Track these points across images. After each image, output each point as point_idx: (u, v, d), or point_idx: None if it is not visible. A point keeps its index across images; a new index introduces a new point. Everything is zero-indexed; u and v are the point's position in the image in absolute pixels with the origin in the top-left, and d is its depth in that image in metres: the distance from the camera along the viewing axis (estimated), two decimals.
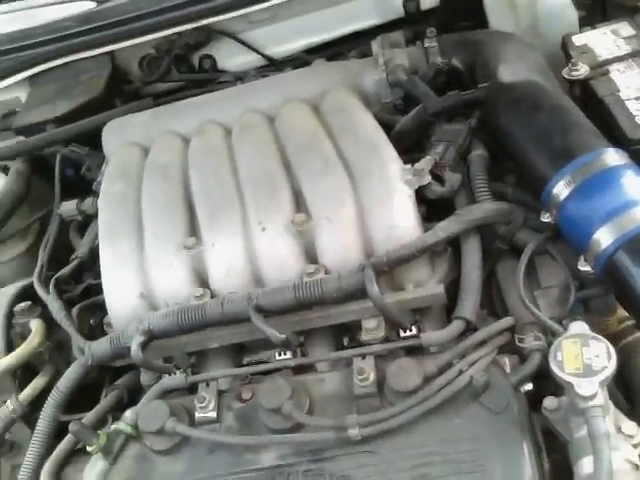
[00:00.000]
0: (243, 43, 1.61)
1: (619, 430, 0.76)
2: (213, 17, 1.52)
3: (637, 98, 1.08)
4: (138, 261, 1.13)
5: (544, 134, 1.03)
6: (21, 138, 1.55)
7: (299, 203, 1.12)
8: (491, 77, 1.18)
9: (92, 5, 1.75)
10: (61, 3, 1.71)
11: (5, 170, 1.52)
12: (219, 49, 1.64)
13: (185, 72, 1.65)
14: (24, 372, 1.19)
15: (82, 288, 1.27)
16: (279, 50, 1.62)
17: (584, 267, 0.93)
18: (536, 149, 1.04)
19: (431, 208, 1.11)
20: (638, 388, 0.94)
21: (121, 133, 1.42)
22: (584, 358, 0.79)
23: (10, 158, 1.51)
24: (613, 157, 0.96)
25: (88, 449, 0.97)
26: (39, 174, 1.54)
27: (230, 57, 1.64)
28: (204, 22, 1.53)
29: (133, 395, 1.13)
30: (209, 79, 1.62)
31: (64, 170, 1.49)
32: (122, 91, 1.63)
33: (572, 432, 0.78)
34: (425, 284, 1.03)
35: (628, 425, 0.77)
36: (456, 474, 0.81)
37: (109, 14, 1.62)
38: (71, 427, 0.97)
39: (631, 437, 0.75)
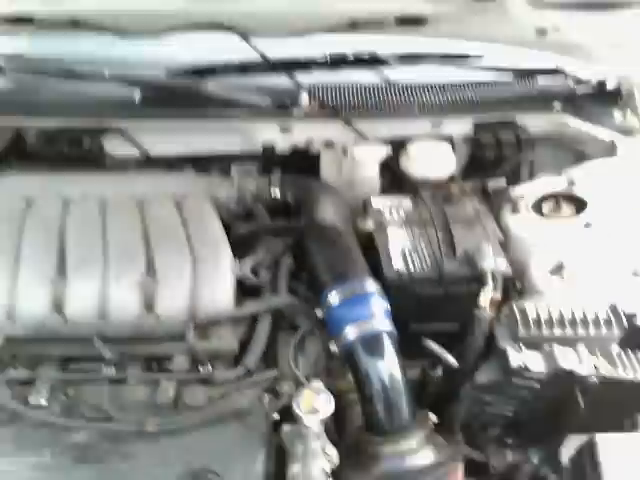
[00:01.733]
0: (132, 140, 1.98)
1: (323, 450, 1.17)
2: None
3: (399, 252, 1.58)
4: (10, 284, 1.43)
5: (332, 260, 1.50)
6: None
7: (150, 268, 1.48)
8: (309, 216, 1.65)
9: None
10: None
11: None
12: (109, 140, 1.97)
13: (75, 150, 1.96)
14: None
15: None
16: (156, 154, 1.99)
17: (333, 348, 1.37)
18: (324, 268, 1.50)
19: (245, 291, 1.53)
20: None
21: (12, 188, 1.71)
22: (314, 403, 1.20)
23: None
24: (370, 285, 1.43)
25: None
26: None
27: (117, 148, 1.98)
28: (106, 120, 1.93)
29: None
30: (94, 159, 1.94)
31: None
32: (17, 152, 1.92)
33: (295, 448, 1.19)
34: (225, 339, 1.42)
35: (329, 448, 1.19)
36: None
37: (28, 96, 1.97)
38: None
39: (329, 455, 1.17)
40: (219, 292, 1.45)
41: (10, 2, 1.55)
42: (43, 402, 1.27)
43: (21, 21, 1.61)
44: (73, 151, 1.95)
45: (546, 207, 1.70)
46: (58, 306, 1.42)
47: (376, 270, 1.53)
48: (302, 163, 1.96)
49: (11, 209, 1.63)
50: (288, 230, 1.66)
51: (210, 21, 1.68)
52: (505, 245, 1.61)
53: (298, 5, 1.60)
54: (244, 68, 2.30)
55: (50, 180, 1.76)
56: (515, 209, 1.69)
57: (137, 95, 2.05)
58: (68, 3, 1.55)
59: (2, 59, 2.14)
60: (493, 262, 1.49)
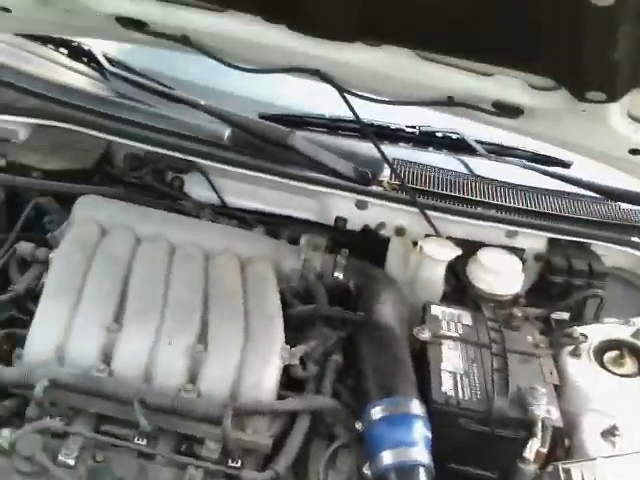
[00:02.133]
0: (211, 184, 2.00)
1: None
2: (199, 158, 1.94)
3: (450, 372, 1.54)
4: (67, 321, 1.45)
5: (382, 370, 1.48)
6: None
7: (202, 334, 1.48)
8: (367, 311, 1.64)
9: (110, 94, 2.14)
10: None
11: None
12: (191, 178, 2.02)
13: (157, 181, 2.00)
14: None
15: (7, 316, 1.56)
16: (233, 201, 2.02)
17: (366, 471, 1.34)
18: (372, 377, 1.48)
19: (290, 381, 1.51)
20: None
21: (91, 209, 1.74)
22: None
23: None
24: (416, 407, 1.40)
25: None
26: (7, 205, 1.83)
27: (196, 187, 2.02)
28: (192, 158, 1.95)
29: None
30: (173, 196, 1.99)
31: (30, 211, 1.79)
32: (102, 169, 1.97)
33: None
34: (261, 433, 1.40)
35: None
36: None
37: (124, 110, 2.01)
38: None
39: None
40: (265, 377, 1.44)
41: (130, 1, 1.56)
42: (71, 462, 1.27)
43: (134, 23, 1.62)
44: (155, 182, 1.99)
45: (608, 357, 1.64)
46: (107, 356, 1.42)
47: (423, 385, 1.50)
48: (371, 244, 1.96)
49: (85, 236, 1.65)
50: (344, 321, 1.64)
51: (311, 66, 1.67)
52: (560, 390, 1.57)
53: (399, 70, 1.58)
54: (334, 127, 2.33)
55: (126, 210, 1.78)
56: (576, 352, 1.64)
57: (227, 133, 2.08)
58: (184, 17, 1.56)
59: (106, 61, 2.23)
60: (546, 410, 1.45)
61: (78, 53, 2.28)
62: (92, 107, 2.00)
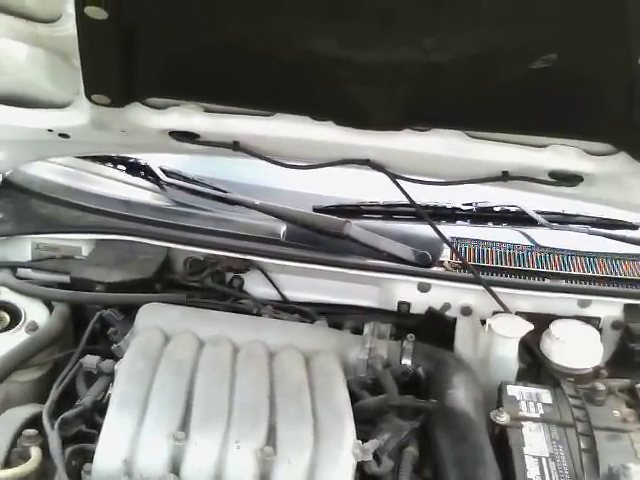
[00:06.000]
0: (270, 281, 2.01)
1: None
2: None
3: (534, 457, 1.45)
4: (134, 433, 1.43)
5: (460, 462, 1.40)
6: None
7: (271, 436, 1.44)
8: (439, 397, 1.57)
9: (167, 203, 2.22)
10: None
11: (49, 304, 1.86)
12: (250, 276, 2.03)
13: (217, 282, 2.03)
14: None
15: (75, 431, 1.56)
16: (293, 295, 2.02)
17: None
18: (452, 469, 1.39)
19: (365, 477, 1.44)
20: None
21: (153, 317, 1.75)
22: None
23: (59, 301, 1.85)
24: None
25: None
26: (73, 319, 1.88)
27: (256, 285, 2.03)
28: (250, 257, 1.97)
29: None
30: (233, 295, 2.00)
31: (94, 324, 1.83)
32: (164, 277, 2.00)
33: None
34: None
35: None
36: None
37: (181, 217, 2.07)
38: None
39: None
40: (338, 477, 1.38)
41: (180, 116, 1.61)
42: None
43: (186, 135, 1.67)
44: (215, 284, 2.00)
45: None
46: (176, 466, 1.39)
47: (507, 473, 1.41)
48: (438, 327, 1.90)
49: (149, 344, 1.66)
50: (416, 410, 1.57)
51: (361, 157, 1.67)
52: None
53: (450, 151, 1.57)
54: (389, 212, 2.33)
55: (188, 315, 1.79)
56: None
57: (283, 229, 2.10)
58: (233, 125, 1.61)
59: (162, 173, 2.31)
60: None
61: (135, 168, 2.37)
62: (150, 217, 2.06)
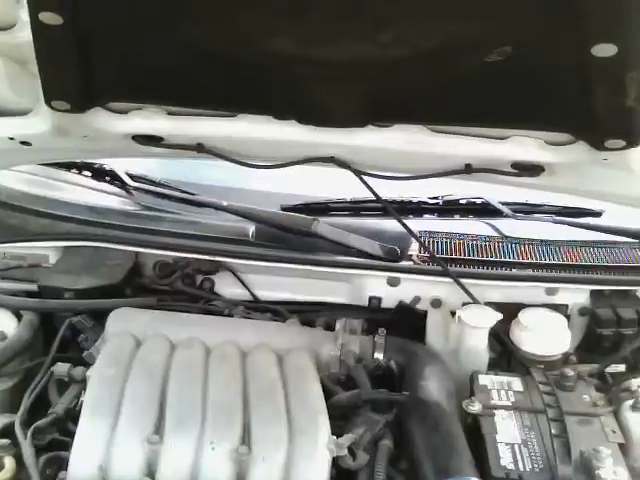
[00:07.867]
0: (241, 281, 2.01)
1: None
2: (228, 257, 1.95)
3: (507, 444, 1.47)
4: (108, 439, 1.42)
5: (434, 451, 1.41)
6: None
7: (245, 436, 1.44)
8: (412, 389, 1.58)
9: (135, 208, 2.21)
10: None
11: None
12: (220, 277, 2.03)
13: (187, 285, 2.02)
14: None
15: (49, 440, 1.54)
16: (265, 294, 2.02)
17: None
18: (426, 459, 1.41)
19: (341, 472, 1.45)
20: None
21: (124, 322, 1.75)
22: None
23: (27, 309, 1.83)
24: None
25: None
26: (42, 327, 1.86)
27: (227, 286, 2.03)
28: (220, 258, 1.96)
29: None
30: (204, 297, 2.00)
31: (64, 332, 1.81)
32: (134, 282, 1.99)
33: None
34: None
35: None
36: None
37: (149, 221, 2.06)
38: None
39: None
40: (314, 473, 1.38)
41: (143, 120, 1.61)
42: None
43: (149, 139, 1.67)
44: (185, 287, 2.00)
45: None
46: (151, 469, 1.39)
47: (481, 461, 1.42)
48: (409, 320, 1.92)
49: (119, 349, 1.65)
50: (390, 403, 1.58)
51: (325, 155, 1.68)
52: (625, 449, 1.47)
53: (413, 146, 1.58)
54: (356, 208, 2.34)
55: (158, 318, 1.79)
56: (637, 406, 1.55)
57: (251, 230, 2.10)
58: (196, 127, 1.60)
59: (128, 177, 2.30)
60: (612, 473, 1.36)
61: (101, 173, 2.35)
62: (118, 222, 2.05)
